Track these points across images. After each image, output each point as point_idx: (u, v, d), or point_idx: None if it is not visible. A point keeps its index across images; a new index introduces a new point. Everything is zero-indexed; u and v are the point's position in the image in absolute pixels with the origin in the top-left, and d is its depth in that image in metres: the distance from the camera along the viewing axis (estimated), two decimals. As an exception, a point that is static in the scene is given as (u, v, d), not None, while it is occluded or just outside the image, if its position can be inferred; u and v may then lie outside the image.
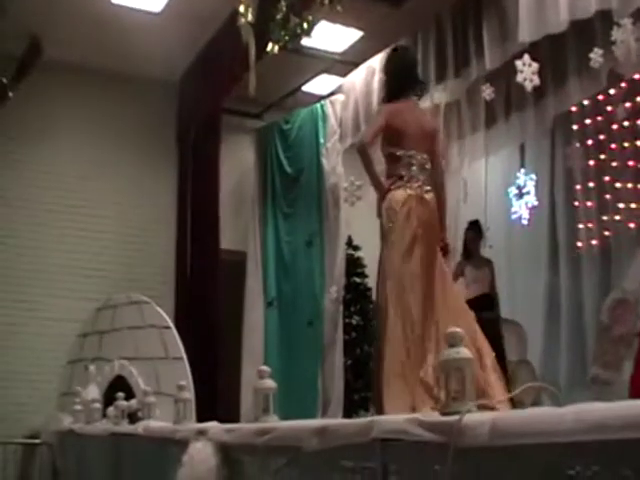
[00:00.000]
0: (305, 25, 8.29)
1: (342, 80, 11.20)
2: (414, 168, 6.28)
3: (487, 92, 8.90)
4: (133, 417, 6.99)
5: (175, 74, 12.05)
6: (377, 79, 10.13)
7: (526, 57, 7.70)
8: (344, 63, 11.12)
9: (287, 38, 8.96)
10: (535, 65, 7.69)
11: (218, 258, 11.34)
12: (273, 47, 8.68)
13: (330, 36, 10.62)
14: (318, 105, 11.57)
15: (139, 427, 6.08)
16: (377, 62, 10.22)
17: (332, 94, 11.46)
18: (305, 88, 11.98)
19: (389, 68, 6.81)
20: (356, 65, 10.77)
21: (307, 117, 11.73)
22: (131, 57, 11.38)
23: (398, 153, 6.29)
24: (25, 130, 11.31)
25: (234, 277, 11.70)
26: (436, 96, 9.73)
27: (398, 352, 5.90)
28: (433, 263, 6.23)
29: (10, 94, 9.42)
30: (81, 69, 11.53)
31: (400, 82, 6.57)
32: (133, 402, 7.52)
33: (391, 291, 6.06)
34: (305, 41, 10.11)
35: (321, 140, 11.32)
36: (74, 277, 11.24)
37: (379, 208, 6.31)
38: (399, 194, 6.20)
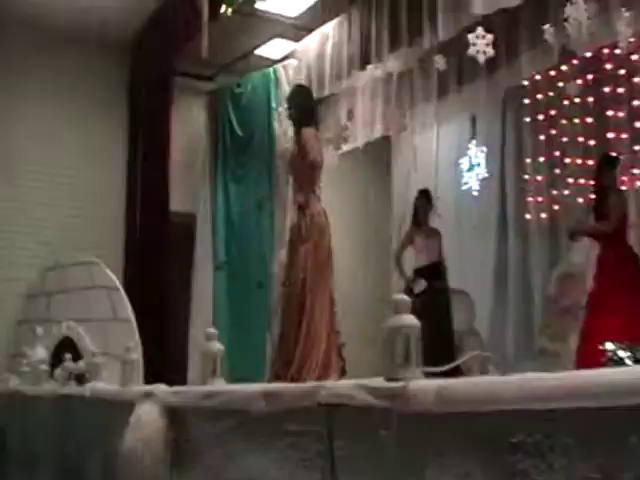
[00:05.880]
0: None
1: (295, 45, 11.16)
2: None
3: (440, 62, 8.92)
4: (81, 379, 6.98)
5: (127, 35, 11.92)
6: (330, 45, 10.13)
7: (479, 30, 7.73)
8: (298, 28, 11.06)
9: (241, 0, 8.92)
10: (489, 37, 7.72)
11: (168, 220, 11.31)
12: (227, 9, 8.65)
13: (284, 0, 10.57)
14: (271, 69, 11.55)
15: (86, 389, 6.09)
16: (331, 28, 10.21)
17: (285, 59, 11.43)
18: (258, 52, 11.90)
19: (302, 99, 7.66)
20: (310, 30, 10.74)
21: (259, 81, 11.70)
22: (83, 17, 11.20)
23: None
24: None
25: (184, 239, 11.67)
26: (389, 64, 9.73)
27: None
28: None
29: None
30: (32, 27, 11.34)
31: (312, 112, 7.69)
32: (81, 363, 7.50)
33: None
34: (259, 4, 10.10)
35: (273, 104, 11.33)
36: (21, 236, 11.12)
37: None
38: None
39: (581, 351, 7.85)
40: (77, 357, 7.88)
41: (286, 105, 8.04)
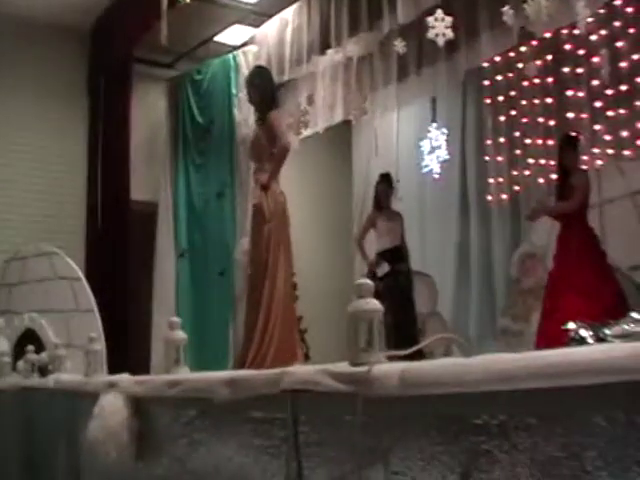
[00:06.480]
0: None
1: (255, 31, 11.12)
2: None
3: (399, 46, 8.92)
4: (44, 370, 6.94)
5: (87, 21, 11.81)
6: (290, 30, 10.11)
7: (439, 12, 7.73)
8: (257, 14, 11.02)
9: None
10: (448, 19, 7.72)
11: (129, 209, 11.26)
12: (186, -4, 8.59)
13: (243, -14, 10.55)
14: (230, 56, 11.50)
15: (50, 380, 6.05)
16: (290, 14, 10.18)
17: (245, 45, 11.38)
18: (217, 38, 11.85)
19: (262, 80, 7.57)
20: (269, 16, 10.70)
21: (219, 68, 11.65)
22: (42, 3, 11.12)
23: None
24: None
25: (145, 228, 11.62)
26: (349, 49, 9.72)
27: None
28: None
29: None
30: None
31: (274, 93, 7.64)
32: (43, 355, 7.46)
33: None
34: (218, -10, 10.06)
35: (233, 91, 11.28)
36: (-20, 228, 11.03)
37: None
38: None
39: (541, 330, 7.89)
40: (40, 349, 7.83)
41: (246, 87, 7.98)
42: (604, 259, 8.00)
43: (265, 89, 7.41)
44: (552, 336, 6.75)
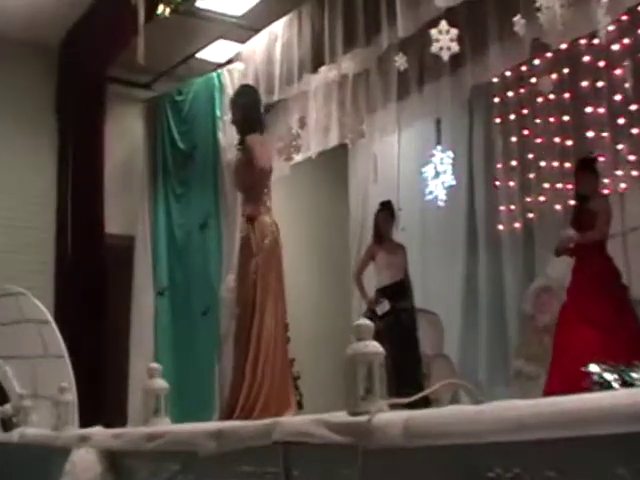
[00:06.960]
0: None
1: (241, 47, 11.13)
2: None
3: (400, 62, 8.93)
4: (8, 423, 6.92)
5: (55, 37, 11.83)
6: (279, 46, 10.12)
7: (443, 23, 7.74)
8: (243, 28, 11.05)
9: (180, -1, 8.92)
10: (454, 31, 7.72)
11: (103, 244, 11.24)
12: (164, 9, 8.62)
13: (227, -3, 10.58)
14: (214, 74, 11.50)
15: (14, 435, 6.03)
16: (279, 27, 10.20)
17: (230, 62, 11.39)
18: (200, 55, 11.88)
19: (247, 100, 7.59)
20: (256, 31, 10.71)
21: (202, 87, 11.66)
22: (5, 16, 11.12)
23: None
24: None
25: (121, 264, 11.58)
26: (344, 66, 9.74)
27: None
28: None
29: None
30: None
31: (259, 115, 7.62)
32: (7, 407, 7.43)
33: None
34: (200, 3, 10.07)
35: (217, 113, 11.27)
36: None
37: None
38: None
39: (554, 368, 7.85)
40: (4, 400, 7.80)
41: (230, 108, 7.98)
42: (624, 292, 7.98)
43: (250, 109, 7.39)
44: (566, 374, 6.74)
